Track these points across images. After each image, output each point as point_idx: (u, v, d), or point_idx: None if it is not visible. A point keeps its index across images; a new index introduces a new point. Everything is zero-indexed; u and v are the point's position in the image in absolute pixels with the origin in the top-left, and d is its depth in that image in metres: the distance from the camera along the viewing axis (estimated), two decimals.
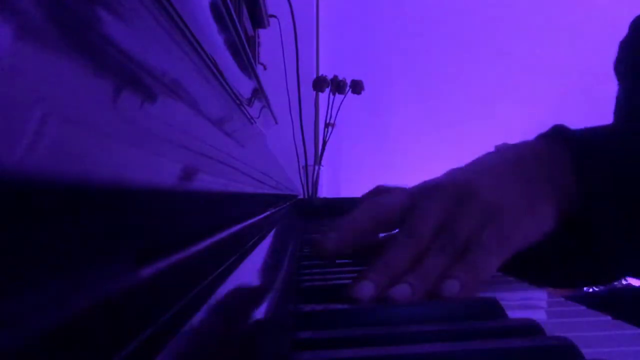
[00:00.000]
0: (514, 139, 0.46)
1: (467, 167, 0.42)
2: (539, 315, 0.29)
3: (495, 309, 0.30)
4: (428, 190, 0.39)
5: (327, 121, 1.70)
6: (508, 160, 0.41)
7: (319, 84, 1.67)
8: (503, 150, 0.43)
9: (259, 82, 0.64)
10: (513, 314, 0.30)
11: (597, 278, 0.47)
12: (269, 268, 0.34)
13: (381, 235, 0.43)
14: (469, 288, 0.34)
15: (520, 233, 0.37)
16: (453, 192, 0.38)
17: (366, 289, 0.34)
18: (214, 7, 0.35)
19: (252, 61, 0.56)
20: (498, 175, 0.39)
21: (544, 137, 0.43)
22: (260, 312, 0.23)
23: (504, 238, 0.36)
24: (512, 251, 0.37)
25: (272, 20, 1.40)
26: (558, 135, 0.42)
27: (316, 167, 1.69)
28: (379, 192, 0.53)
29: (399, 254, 0.36)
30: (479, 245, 0.36)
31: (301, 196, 1.63)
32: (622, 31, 0.67)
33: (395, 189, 0.54)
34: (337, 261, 0.52)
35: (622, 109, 0.59)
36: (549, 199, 0.38)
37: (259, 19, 1.26)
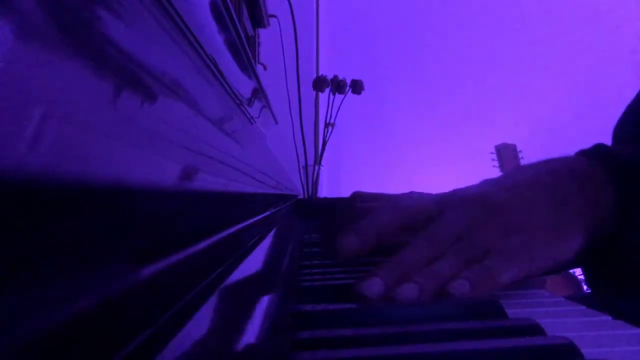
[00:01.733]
0: (515, 138, 0.46)
1: (502, 179, 0.41)
2: (539, 315, 0.29)
3: (495, 309, 0.30)
4: (458, 200, 0.39)
5: (327, 121, 1.70)
6: (544, 177, 0.40)
7: (319, 84, 1.67)
8: (542, 165, 0.41)
9: (259, 82, 0.64)
10: (513, 313, 0.30)
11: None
12: (269, 268, 0.34)
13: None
14: (479, 291, 0.33)
15: (546, 251, 0.36)
16: (483, 205, 0.37)
17: (375, 286, 0.34)
18: (214, 7, 0.35)
19: (252, 61, 0.56)
20: (532, 192, 0.38)
21: (584, 155, 0.41)
22: (259, 312, 0.23)
23: (526, 251, 0.35)
24: (536, 268, 0.36)
25: (272, 20, 1.40)
26: (599, 154, 0.40)
27: (316, 167, 1.69)
28: (356, 198, 0.53)
29: (413, 255, 0.36)
30: (498, 252, 0.35)
31: (301, 196, 1.63)
32: (622, 30, 0.67)
33: (373, 195, 0.54)
34: (337, 261, 0.52)
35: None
36: (582, 220, 0.37)
37: (259, 19, 1.26)
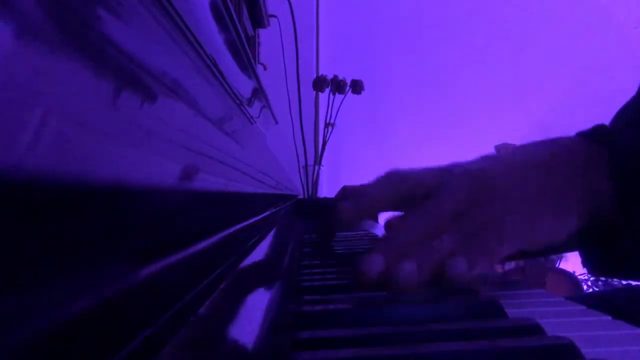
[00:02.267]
0: (515, 138, 0.46)
1: (501, 157, 0.41)
2: (539, 315, 0.29)
3: (495, 308, 0.30)
4: (457, 175, 0.38)
5: (327, 121, 1.69)
6: (543, 157, 0.40)
7: (319, 84, 1.67)
8: (540, 145, 0.41)
9: (259, 82, 0.64)
10: (513, 313, 0.30)
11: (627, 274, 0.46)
12: (269, 268, 0.34)
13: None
14: (476, 267, 0.34)
15: (540, 229, 0.37)
16: (482, 181, 0.37)
17: (375, 263, 0.34)
18: (214, 7, 0.35)
19: (252, 61, 0.56)
20: (530, 170, 0.38)
21: (583, 136, 0.41)
22: (259, 312, 0.23)
23: (523, 228, 0.36)
24: (528, 244, 0.36)
25: (272, 20, 1.40)
26: (597, 135, 0.40)
27: (316, 167, 1.69)
28: (346, 192, 0.53)
29: (413, 231, 0.36)
30: (493, 229, 0.35)
31: (301, 196, 1.63)
32: (622, 30, 0.67)
33: (362, 187, 0.54)
34: (337, 261, 0.52)
35: None
36: (578, 200, 0.38)
37: (259, 19, 1.26)
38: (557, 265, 2.13)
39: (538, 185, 0.38)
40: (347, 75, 1.70)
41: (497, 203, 0.36)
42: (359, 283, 0.34)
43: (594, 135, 0.41)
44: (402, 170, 0.43)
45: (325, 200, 1.51)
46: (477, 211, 0.36)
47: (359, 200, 0.41)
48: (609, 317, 0.30)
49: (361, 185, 0.55)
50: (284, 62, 1.54)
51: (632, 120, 0.47)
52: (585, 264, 0.47)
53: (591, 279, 2.06)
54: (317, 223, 0.59)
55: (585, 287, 2.03)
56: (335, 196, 0.57)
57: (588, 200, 0.38)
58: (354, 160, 2.27)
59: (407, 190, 0.40)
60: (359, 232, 0.85)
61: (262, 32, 1.33)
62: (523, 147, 0.42)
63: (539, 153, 0.40)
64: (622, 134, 0.40)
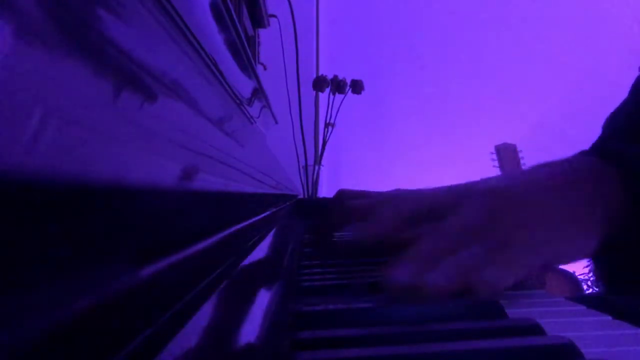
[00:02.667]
0: (515, 138, 0.46)
1: (519, 175, 0.42)
2: (539, 315, 0.29)
3: (495, 308, 0.30)
4: (479, 192, 0.39)
5: (327, 121, 1.69)
6: (561, 176, 0.41)
7: (319, 84, 1.67)
8: (558, 164, 0.42)
9: (259, 82, 0.64)
10: (513, 313, 0.30)
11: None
12: (269, 268, 0.34)
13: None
14: (505, 279, 0.34)
15: (563, 245, 0.37)
16: (504, 199, 0.38)
17: (401, 275, 0.34)
18: (214, 7, 0.35)
19: (252, 61, 0.56)
20: (548, 189, 0.39)
21: (596, 154, 0.42)
22: (259, 312, 0.23)
23: (545, 244, 0.36)
24: (552, 257, 0.37)
25: (272, 20, 1.40)
26: (611, 155, 0.41)
27: (316, 167, 1.69)
28: (343, 196, 0.54)
29: (437, 245, 0.36)
30: (518, 243, 0.36)
31: (301, 196, 1.63)
32: (622, 31, 0.68)
33: (358, 192, 0.55)
34: (337, 261, 0.52)
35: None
36: (596, 219, 0.38)
37: (259, 19, 1.26)
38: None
39: (557, 203, 0.38)
40: (347, 75, 1.69)
41: (521, 219, 0.37)
42: (389, 293, 0.35)
43: (607, 154, 0.42)
44: (410, 191, 0.44)
45: (325, 200, 1.51)
46: (500, 227, 0.36)
47: (375, 225, 0.42)
48: (609, 317, 0.30)
49: (361, 191, 0.55)
50: (284, 62, 1.54)
51: (620, 128, 0.49)
52: (599, 275, 0.48)
53: (591, 278, 2.06)
54: (314, 225, 0.60)
55: (585, 287, 2.03)
56: (332, 199, 0.57)
57: (605, 217, 0.39)
58: (354, 160, 2.27)
59: (425, 206, 0.41)
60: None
61: (262, 32, 1.33)
62: (538, 168, 0.43)
63: (556, 172, 0.41)
64: (631, 148, 0.41)
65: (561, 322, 0.29)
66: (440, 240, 0.36)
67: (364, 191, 0.55)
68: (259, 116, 0.69)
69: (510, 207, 0.37)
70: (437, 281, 0.33)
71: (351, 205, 0.51)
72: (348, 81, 1.67)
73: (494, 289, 0.34)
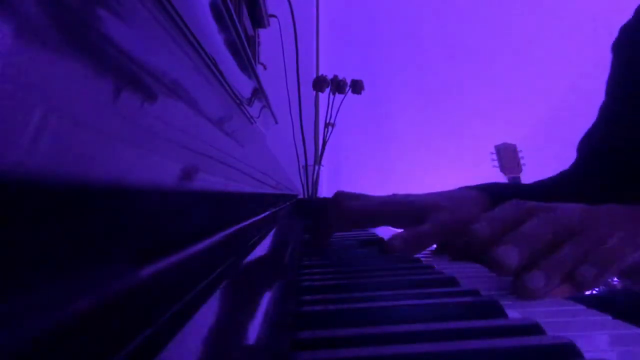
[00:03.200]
0: (515, 138, 0.46)
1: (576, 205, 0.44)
2: (539, 315, 0.29)
3: (495, 308, 0.30)
4: (552, 208, 0.40)
5: (327, 121, 1.69)
6: (617, 207, 0.42)
7: (319, 83, 1.67)
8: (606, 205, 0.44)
9: (259, 82, 0.64)
10: (513, 313, 0.30)
11: None
12: (269, 268, 0.34)
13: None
14: (603, 275, 0.35)
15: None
16: (589, 212, 0.40)
17: (511, 256, 0.35)
18: (214, 7, 0.35)
19: (252, 61, 0.56)
20: (617, 211, 0.41)
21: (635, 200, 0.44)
22: (259, 312, 0.23)
23: (632, 242, 0.38)
24: (636, 262, 0.38)
25: (272, 20, 1.40)
26: None
27: (316, 167, 1.69)
28: (339, 198, 0.56)
29: (542, 230, 0.37)
30: (613, 242, 0.37)
31: (301, 196, 1.63)
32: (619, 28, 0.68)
33: (355, 195, 0.56)
34: (337, 261, 0.52)
35: (615, 89, 0.61)
36: None
37: (259, 19, 1.26)
38: None
39: (637, 216, 0.41)
40: (347, 75, 1.69)
41: (608, 227, 0.39)
42: (494, 270, 0.37)
43: None
44: (405, 195, 0.46)
45: (325, 200, 1.51)
46: (590, 231, 0.38)
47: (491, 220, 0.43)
48: (609, 317, 0.30)
49: (359, 194, 0.56)
50: (284, 62, 1.54)
51: (594, 150, 0.51)
52: None
53: None
54: (311, 225, 0.60)
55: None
56: (330, 200, 0.58)
57: None
58: (354, 160, 2.27)
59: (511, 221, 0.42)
60: (359, 233, 0.85)
61: (262, 32, 1.33)
62: (599, 206, 0.44)
63: (612, 206, 0.43)
64: None
65: (561, 322, 0.29)
66: (546, 228, 0.37)
67: (360, 194, 0.56)
68: (259, 116, 0.69)
69: (596, 218, 0.39)
70: (536, 283, 0.35)
71: (349, 206, 0.52)
72: (348, 81, 1.67)
73: (594, 285, 0.35)
